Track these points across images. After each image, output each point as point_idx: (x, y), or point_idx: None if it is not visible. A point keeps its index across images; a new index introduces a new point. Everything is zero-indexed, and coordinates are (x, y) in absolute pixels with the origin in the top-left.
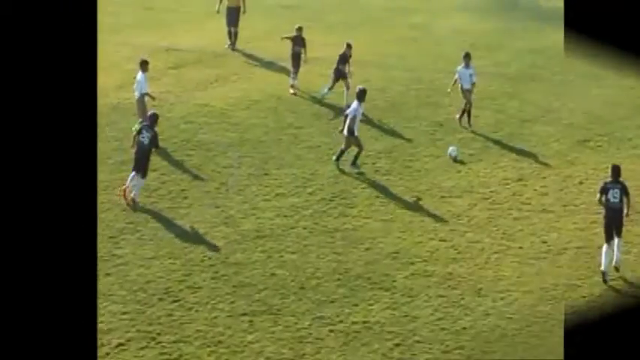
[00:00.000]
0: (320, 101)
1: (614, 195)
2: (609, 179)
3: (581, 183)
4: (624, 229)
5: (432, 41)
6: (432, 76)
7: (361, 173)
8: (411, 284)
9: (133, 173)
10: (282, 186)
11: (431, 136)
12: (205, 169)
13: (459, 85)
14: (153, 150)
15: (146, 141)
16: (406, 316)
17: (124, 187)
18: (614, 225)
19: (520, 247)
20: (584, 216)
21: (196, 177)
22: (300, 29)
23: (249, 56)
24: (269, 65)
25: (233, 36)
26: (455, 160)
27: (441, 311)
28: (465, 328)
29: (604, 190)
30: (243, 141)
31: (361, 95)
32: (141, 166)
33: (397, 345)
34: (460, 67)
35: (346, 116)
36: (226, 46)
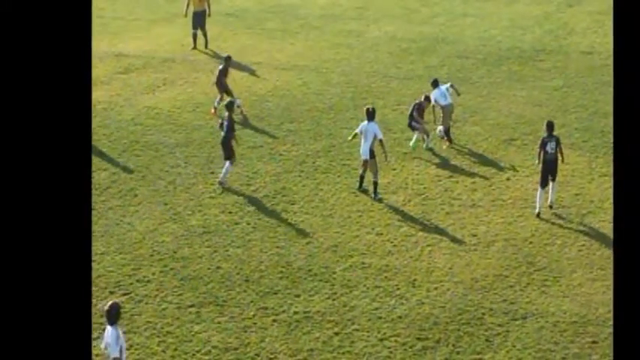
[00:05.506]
0: (261, 104)
1: (551, 147)
2: (545, 134)
3: (508, 179)
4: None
5: (366, 47)
6: (367, 79)
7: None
8: (350, 276)
9: (227, 162)
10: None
11: None
12: (153, 168)
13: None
14: (231, 135)
15: (225, 130)
16: (345, 306)
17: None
18: (550, 172)
19: (451, 240)
20: (510, 210)
21: (145, 176)
22: (227, 59)
23: (195, 61)
24: (213, 70)
25: (203, 37)
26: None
27: (377, 301)
28: (400, 317)
29: (543, 144)
30: (189, 141)
31: (371, 115)
32: (225, 152)
33: (337, 333)
34: (434, 92)
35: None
36: (191, 48)
